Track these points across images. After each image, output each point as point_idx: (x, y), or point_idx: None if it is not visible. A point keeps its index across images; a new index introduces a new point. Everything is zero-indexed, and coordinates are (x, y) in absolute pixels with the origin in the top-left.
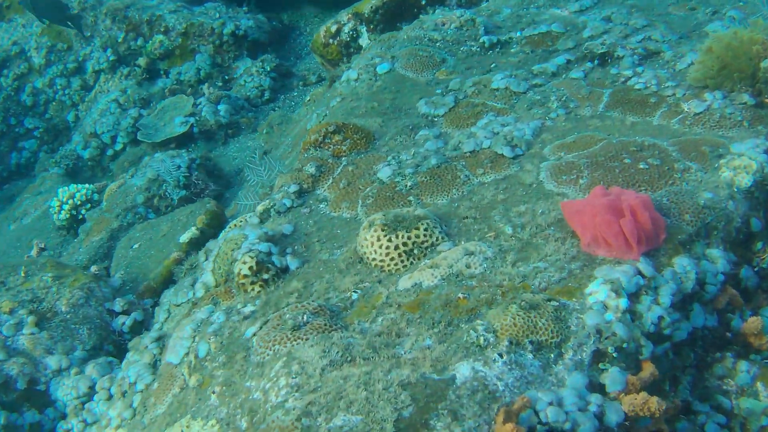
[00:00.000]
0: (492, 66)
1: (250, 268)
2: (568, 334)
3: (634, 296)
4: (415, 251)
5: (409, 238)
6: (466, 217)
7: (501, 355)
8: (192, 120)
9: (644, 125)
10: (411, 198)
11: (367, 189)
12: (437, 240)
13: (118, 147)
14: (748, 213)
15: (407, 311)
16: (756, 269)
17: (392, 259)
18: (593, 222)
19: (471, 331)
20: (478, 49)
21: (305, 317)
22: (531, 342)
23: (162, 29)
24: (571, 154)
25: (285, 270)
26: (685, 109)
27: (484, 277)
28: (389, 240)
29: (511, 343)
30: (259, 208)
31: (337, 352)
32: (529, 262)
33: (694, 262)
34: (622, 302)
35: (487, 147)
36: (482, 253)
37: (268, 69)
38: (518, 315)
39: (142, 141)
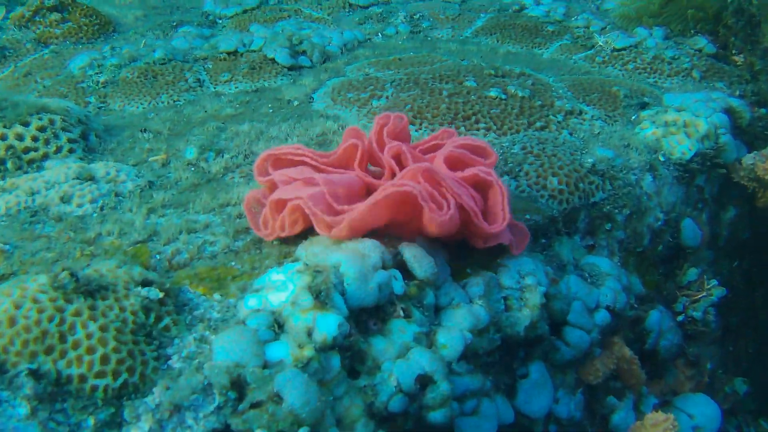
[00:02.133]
0: None
1: None
2: (154, 374)
3: (369, 316)
4: (9, 163)
5: (2, 137)
6: (146, 130)
7: None
8: None
9: (527, 56)
10: (91, 98)
11: (43, 81)
12: (57, 151)
13: None
14: (679, 208)
15: None
16: (681, 317)
17: None
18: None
19: None
20: None
21: None
22: (37, 373)
23: None
24: (384, 72)
25: None
26: (600, 43)
27: (79, 223)
28: None
29: None
30: None
31: None
32: (189, 210)
33: (545, 274)
34: (325, 324)
35: (256, 48)
36: (113, 183)
37: None
38: (34, 302)
39: None
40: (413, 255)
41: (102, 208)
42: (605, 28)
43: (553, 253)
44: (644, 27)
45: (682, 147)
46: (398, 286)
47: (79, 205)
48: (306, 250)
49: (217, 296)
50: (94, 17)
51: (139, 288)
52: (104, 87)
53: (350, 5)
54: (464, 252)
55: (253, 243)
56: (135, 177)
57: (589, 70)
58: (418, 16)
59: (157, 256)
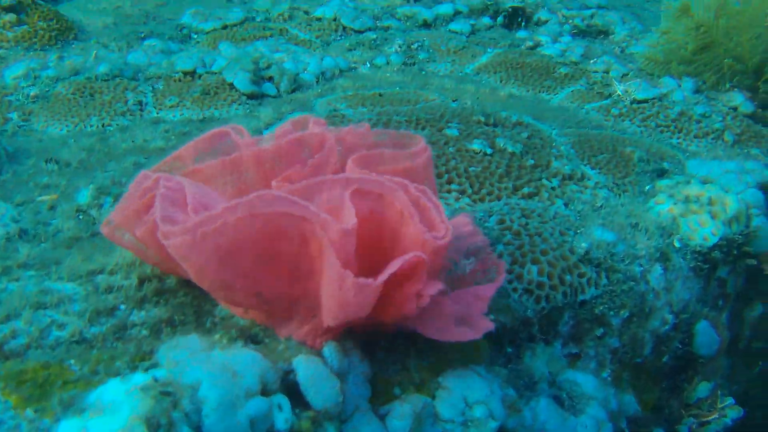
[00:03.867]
0: None
1: None
2: None
3: None
4: None
5: None
6: (51, 160)
7: None
8: None
9: (531, 101)
10: (13, 114)
11: None
12: None
13: None
14: (693, 308)
15: None
16: None
17: None
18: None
19: None
20: None
21: None
22: None
23: None
24: (356, 109)
25: None
26: (618, 92)
27: None
28: None
29: None
30: None
31: None
32: (51, 275)
33: (501, 401)
34: None
35: (217, 70)
36: None
37: None
38: None
39: None
40: (310, 375)
41: None
42: (627, 74)
43: (521, 366)
44: (672, 77)
45: (704, 231)
46: (281, 419)
47: None
48: (168, 354)
49: (29, 413)
50: (54, 21)
51: None
52: (33, 102)
53: (344, 28)
54: (399, 356)
55: (113, 330)
56: (9, 222)
57: (602, 123)
58: (416, 45)
59: None
